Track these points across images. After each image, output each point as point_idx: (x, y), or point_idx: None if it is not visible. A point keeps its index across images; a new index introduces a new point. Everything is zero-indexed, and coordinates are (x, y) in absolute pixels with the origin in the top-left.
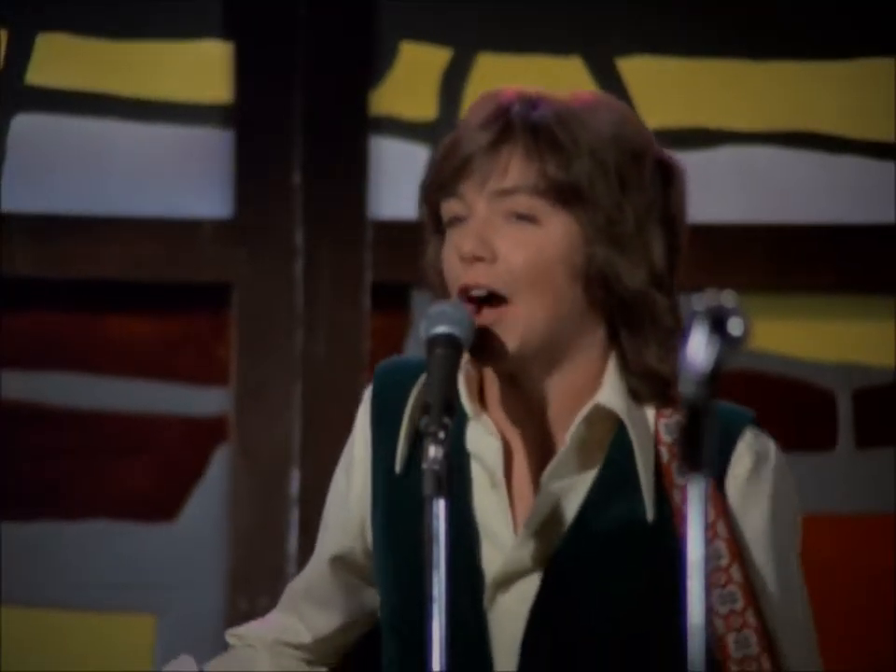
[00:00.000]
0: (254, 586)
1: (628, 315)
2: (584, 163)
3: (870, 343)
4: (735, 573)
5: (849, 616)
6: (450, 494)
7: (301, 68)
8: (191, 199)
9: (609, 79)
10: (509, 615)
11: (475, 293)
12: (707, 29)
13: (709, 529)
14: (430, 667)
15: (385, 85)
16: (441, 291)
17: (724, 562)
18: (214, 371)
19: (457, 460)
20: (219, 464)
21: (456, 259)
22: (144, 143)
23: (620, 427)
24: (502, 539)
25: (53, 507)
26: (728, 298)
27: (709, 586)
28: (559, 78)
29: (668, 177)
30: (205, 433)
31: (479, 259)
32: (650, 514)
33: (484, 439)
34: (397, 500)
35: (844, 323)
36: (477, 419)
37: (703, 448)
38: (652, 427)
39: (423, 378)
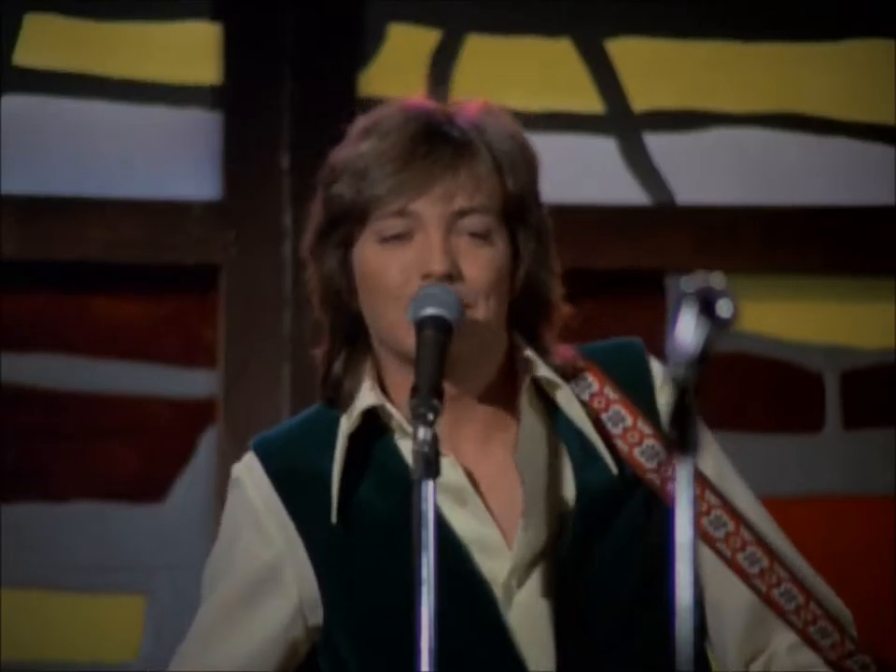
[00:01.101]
0: None
1: (539, 313)
2: (525, 177)
3: (858, 325)
4: (746, 534)
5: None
6: (437, 475)
7: (290, 50)
8: (179, 180)
9: (599, 61)
10: (529, 612)
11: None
12: (697, 11)
13: (702, 503)
14: (419, 650)
15: (373, 67)
16: (332, 307)
17: (731, 527)
18: (202, 353)
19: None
20: (207, 446)
21: (400, 275)
22: (132, 124)
23: (550, 404)
24: (492, 544)
25: (41, 489)
26: (717, 279)
27: (734, 553)
28: (548, 60)
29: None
30: (193, 415)
31: (448, 277)
32: (613, 468)
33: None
34: (345, 556)
35: (832, 305)
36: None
37: (691, 430)
38: (571, 394)
39: (352, 419)
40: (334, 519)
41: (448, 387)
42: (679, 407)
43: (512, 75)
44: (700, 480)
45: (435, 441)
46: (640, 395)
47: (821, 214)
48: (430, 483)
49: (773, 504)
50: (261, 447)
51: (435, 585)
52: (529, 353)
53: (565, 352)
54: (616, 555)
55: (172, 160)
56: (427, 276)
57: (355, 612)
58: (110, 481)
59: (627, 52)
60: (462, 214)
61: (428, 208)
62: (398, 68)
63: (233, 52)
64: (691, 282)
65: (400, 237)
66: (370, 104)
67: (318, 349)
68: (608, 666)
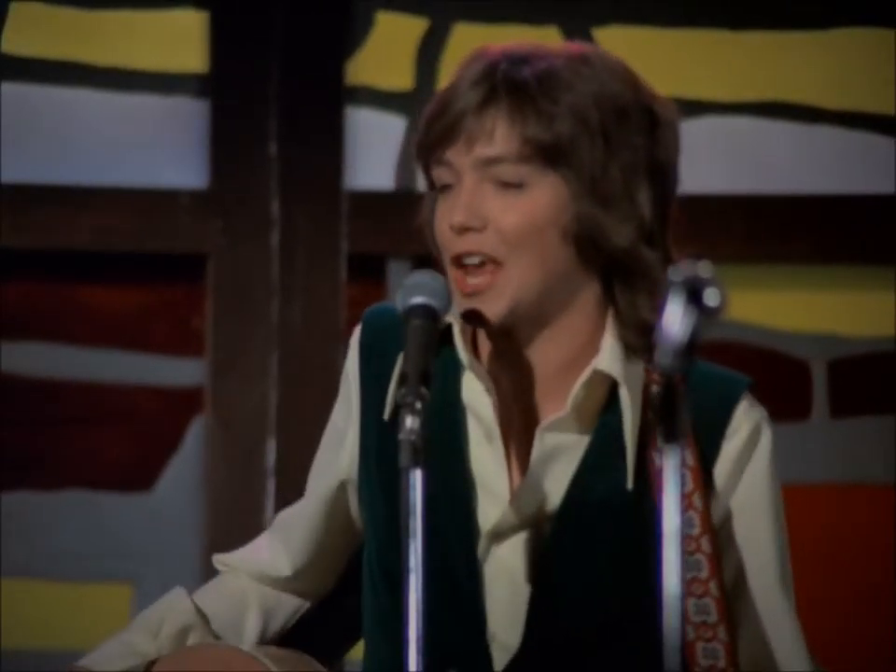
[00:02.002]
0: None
1: (619, 271)
2: (565, 123)
3: (845, 314)
4: (705, 544)
5: (824, 584)
6: (426, 465)
7: (277, 38)
8: (167, 169)
9: None
10: (502, 567)
11: (468, 261)
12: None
13: (685, 499)
14: (406, 635)
15: (361, 55)
16: (434, 246)
17: (696, 531)
18: (190, 341)
19: (453, 413)
20: (196, 434)
21: (446, 227)
22: (119, 112)
23: (614, 392)
24: (498, 491)
25: (29, 477)
26: (704, 268)
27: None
28: None
29: (658, 125)
30: (182, 404)
31: (467, 229)
32: (629, 483)
33: (479, 392)
34: (387, 447)
35: (819, 293)
36: (472, 370)
37: (678, 418)
38: (641, 389)
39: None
40: (386, 415)
41: (499, 342)
42: (667, 395)
43: None
44: (706, 519)
45: (423, 429)
46: (707, 439)
47: (809, 202)
48: (418, 472)
49: None
50: (369, 316)
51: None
52: (608, 333)
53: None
54: (602, 561)
55: (159, 148)
56: (451, 228)
57: (376, 517)
58: (98, 469)
59: (614, 41)
60: (488, 162)
61: (458, 157)
62: (385, 57)
63: (221, 40)
64: (678, 271)
65: (447, 188)
66: (357, 92)
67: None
68: (574, 648)
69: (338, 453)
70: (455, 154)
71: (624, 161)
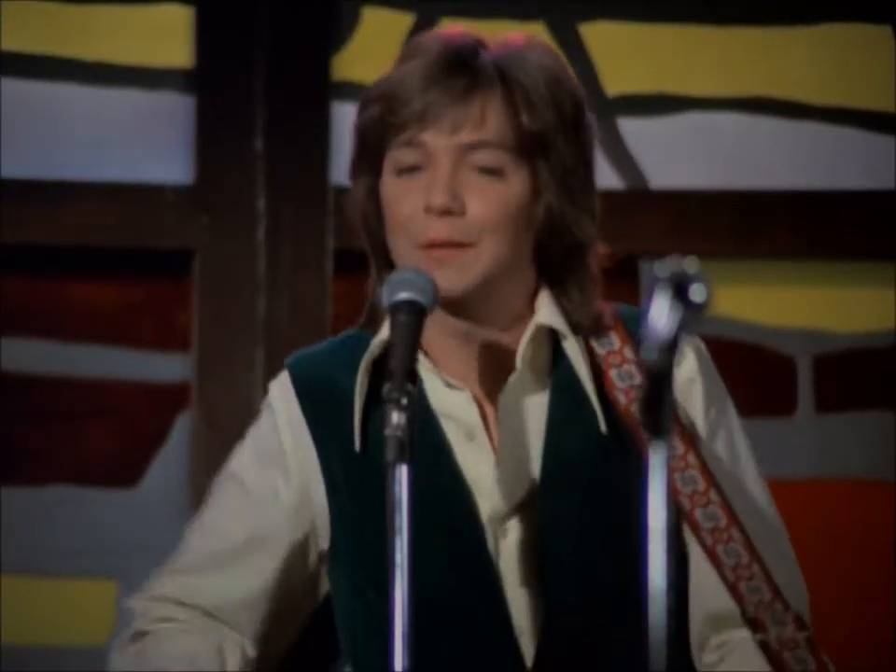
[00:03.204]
0: None
1: (569, 260)
2: (549, 113)
3: (831, 309)
4: (714, 495)
5: (812, 580)
6: (412, 460)
7: (263, 33)
8: (152, 164)
9: (572, 45)
10: (512, 558)
11: (440, 245)
12: None
13: (681, 460)
14: (392, 633)
15: (347, 50)
16: (367, 234)
17: (701, 487)
18: (175, 337)
19: (430, 423)
20: (181, 430)
21: (413, 208)
22: (104, 107)
23: (558, 350)
24: (486, 485)
25: (14, 473)
26: (690, 264)
27: (692, 506)
28: None
29: (590, 122)
30: (167, 399)
31: (448, 212)
32: (602, 426)
33: (450, 395)
34: (360, 478)
35: (805, 289)
36: (439, 376)
37: (664, 414)
38: (581, 340)
39: (371, 349)
40: (357, 447)
41: (456, 324)
42: (653, 391)
43: None
44: (688, 439)
45: (410, 425)
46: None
47: (795, 198)
48: (404, 468)
49: None
50: (295, 366)
51: (428, 525)
52: (543, 296)
53: (600, 305)
54: (594, 518)
55: (144, 143)
56: (428, 209)
57: (358, 537)
58: (84, 465)
59: (601, 36)
60: (471, 147)
61: (436, 139)
62: (371, 52)
63: (206, 35)
64: (664, 266)
65: (413, 169)
66: (343, 88)
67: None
68: (589, 627)
69: (278, 504)
70: (433, 136)
71: (585, 154)
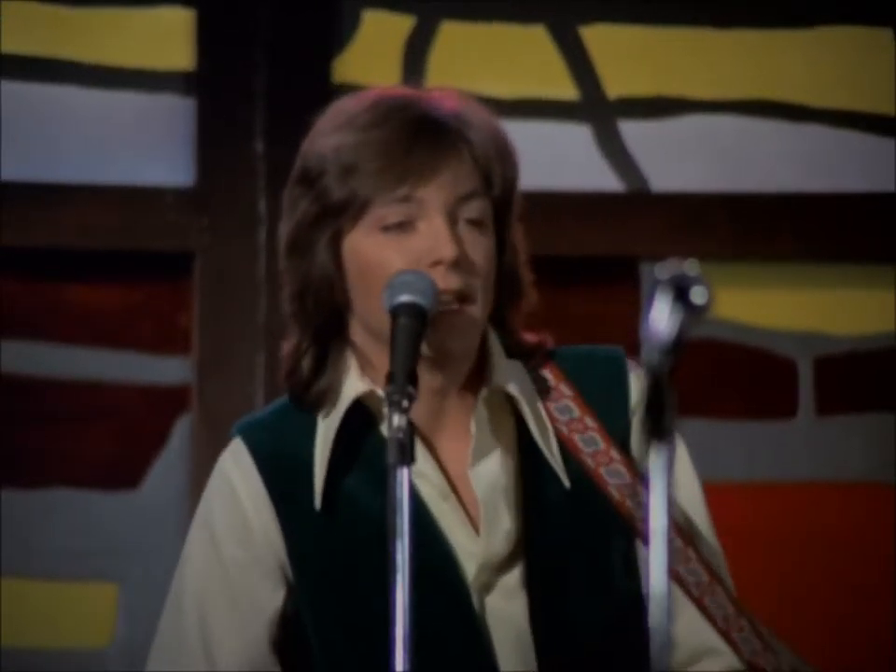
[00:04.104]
0: None
1: (514, 304)
2: (510, 171)
3: (831, 312)
4: (692, 553)
5: (813, 582)
6: (413, 461)
7: (264, 35)
8: (153, 167)
9: (573, 48)
10: (499, 616)
11: (446, 297)
12: None
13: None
14: (393, 637)
15: (348, 53)
16: (324, 295)
17: (678, 543)
18: (176, 339)
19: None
20: (182, 433)
21: (411, 264)
22: (105, 110)
23: (517, 412)
24: (467, 545)
25: (15, 475)
26: (691, 266)
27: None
28: (522, 47)
29: None
30: (168, 402)
31: (458, 263)
32: (565, 482)
33: (422, 457)
34: (328, 537)
35: (805, 291)
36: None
37: (666, 416)
38: (535, 394)
39: (330, 421)
40: (318, 506)
41: (432, 380)
42: (654, 394)
43: (487, 61)
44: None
45: (410, 427)
46: (614, 415)
47: (796, 201)
48: (405, 470)
49: (745, 491)
50: (247, 432)
51: (412, 579)
52: (497, 355)
53: (530, 339)
54: (582, 565)
55: (145, 146)
56: (437, 263)
57: (332, 602)
58: (84, 467)
59: (601, 39)
60: (465, 198)
61: (434, 194)
62: (372, 55)
63: (207, 38)
64: (665, 269)
65: (402, 226)
66: (344, 90)
67: (286, 343)
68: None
69: (252, 582)
70: (431, 191)
71: (519, 202)
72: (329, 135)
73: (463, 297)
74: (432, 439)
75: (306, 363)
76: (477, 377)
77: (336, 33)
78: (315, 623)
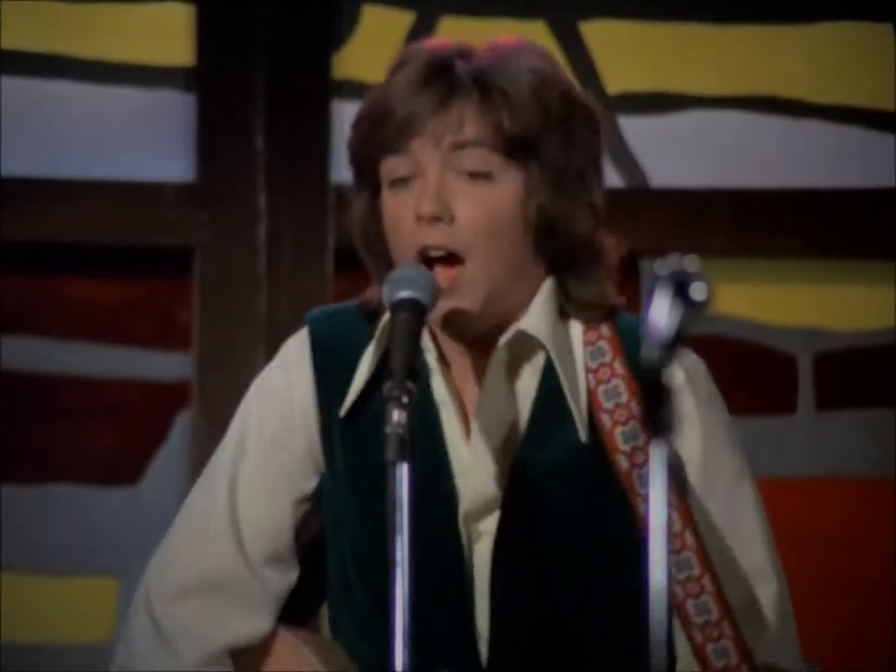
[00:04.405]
0: None
1: (574, 259)
2: (533, 114)
3: (831, 308)
4: (689, 539)
5: (809, 578)
6: (412, 457)
7: (264, 31)
8: (153, 162)
9: (573, 43)
10: (483, 560)
11: (433, 254)
12: None
13: (677, 539)
14: (393, 631)
15: (347, 49)
16: (366, 249)
17: (677, 528)
18: (176, 335)
19: (428, 410)
20: (182, 429)
21: (408, 219)
22: (105, 105)
23: (549, 358)
24: (467, 470)
25: (15, 471)
26: (691, 262)
27: (685, 595)
28: None
29: (592, 119)
30: (168, 398)
31: (437, 219)
32: (583, 436)
33: (437, 378)
34: (352, 445)
35: (805, 287)
36: (440, 372)
37: (665, 412)
38: (579, 349)
39: (383, 322)
40: (343, 412)
41: (457, 344)
42: (654, 389)
43: None
44: (685, 511)
45: (410, 423)
46: (634, 361)
47: (796, 197)
48: (404, 466)
49: None
50: (314, 323)
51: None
52: (540, 295)
53: (607, 293)
54: (558, 527)
55: (145, 141)
56: (418, 219)
57: (337, 507)
58: (84, 463)
59: (601, 34)
60: (454, 149)
61: (423, 147)
62: (372, 50)
63: (207, 33)
64: (665, 265)
65: (405, 180)
66: (344, 86)
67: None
68: (540, 637)
69: (286, 464)
70: (419, 144)
71: (580, 152)
72: (374, 88)
73: (450, 254)
74: (462, 384)
75: (377, 299)
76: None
77: (336, 28)
78: (331, 522)
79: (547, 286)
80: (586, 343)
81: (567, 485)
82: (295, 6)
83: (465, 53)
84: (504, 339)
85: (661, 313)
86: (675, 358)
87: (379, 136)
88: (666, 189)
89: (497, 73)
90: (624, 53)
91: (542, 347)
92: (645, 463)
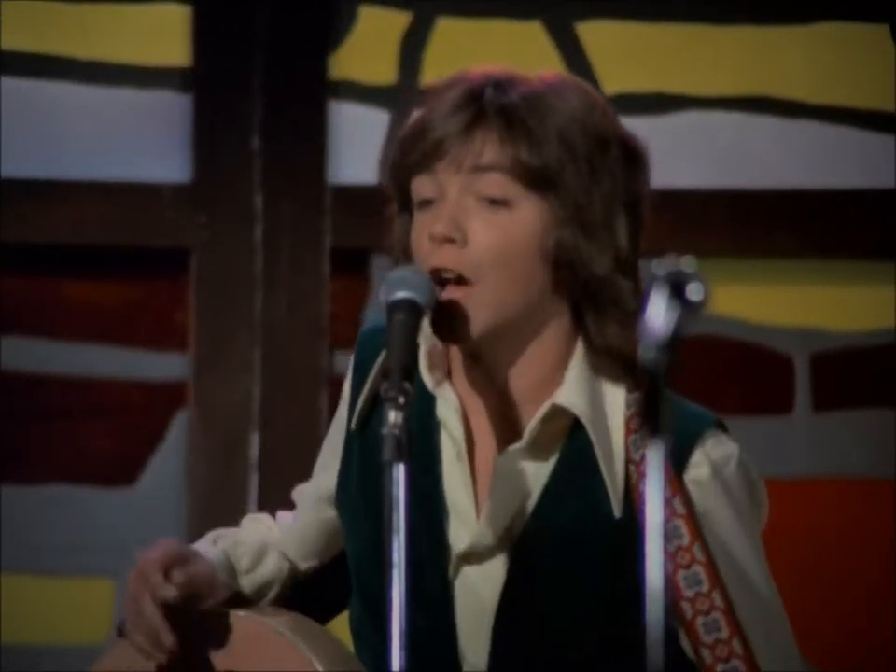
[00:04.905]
0: None
1: (592, 299)
2: (554, 149)
3: (828, 308)
4: (698, 552)
5: (806, 578)
6: (410, 459)
7: (261, 32)
8: (150, 163)
9: (569, 44)
10: (473, 589)
11: (445, 275)
12: None
13: (667, 507)
14: (390, 631)
15: (344, 49)
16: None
17: (686, 541)
18: (173, 336)
19: (427, 429)
20: (179, 429)
21: (426, 240)
22: (101, 106)
23: (578, 422)
24: (465, 513)
25: (12, 471)
26: (687, 263)
27: (675, 567)
28: (519, 43)
29: (633, 159)
30: (165, 398)
31: (450, 240)
32: (616, 511)
33: (451, 410)
34: (363, 462)
35: (802, 288)
36: (437, 390)
37: (662, 412)
38: (619, 424)
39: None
40: (353, 425)
41: (472, 367)
42: (651, 390)
43: (483, 58)
44: (694, 527)
45: (406, 424)
46: (674, 463)
47: (792, 197)
48: (401, 467)
49: None
50: (363, 333)
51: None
52: (576, 353)
53: (631, 341)
54: (573, 581)
55: (142, 142)
56: (431, 238)
57: (347, 517)
58: (82, 464)
59: (598, 35)
60: (475, 170)
61: (446, 169)
62: (368, 51)
63: (204, 34)
64: (662, 265)
65: (430, 202)
66: (341, 86)
67: None
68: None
69: (330, 467)
70: (441, 167)
71: (606, 191)
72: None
73: (459, 277)
74: (475, 408)
75: None
76: (556, 384)
77: (332, 29)
78: (344, 522)
79: (579, 349)
80: (630, 431)
81: (581, 551)
82: (292, 6)
83: (502, 83)
84: (539, 415)
85: (658, 313)
86: (672, 359)
87: (411, 157)
88: (663, 189)
89: (526, 107)
90: (621, 54)
91: (575, 419)
92: (672, 517)
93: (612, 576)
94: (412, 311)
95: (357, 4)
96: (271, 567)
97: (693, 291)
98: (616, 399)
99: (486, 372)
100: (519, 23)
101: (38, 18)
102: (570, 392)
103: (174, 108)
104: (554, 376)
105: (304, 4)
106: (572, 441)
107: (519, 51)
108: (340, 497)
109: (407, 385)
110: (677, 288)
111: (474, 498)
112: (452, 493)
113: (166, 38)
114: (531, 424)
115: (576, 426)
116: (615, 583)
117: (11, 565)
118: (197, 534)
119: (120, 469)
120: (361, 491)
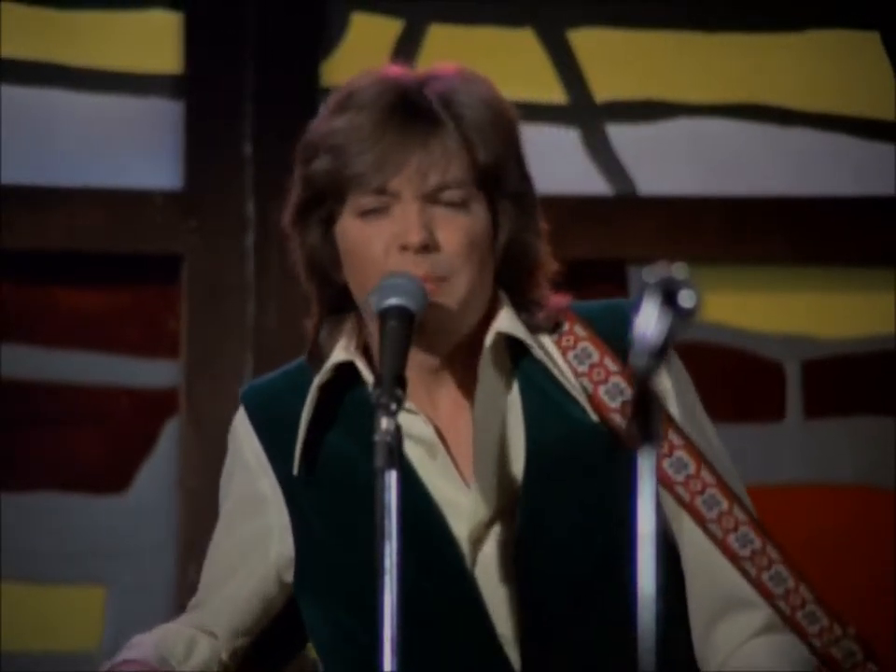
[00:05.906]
0: (204, 558)
1: (523, 273)
2: (500, 145)
3: (819, 315)
4: (707, 476)
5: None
6: (401, 466)
7: (253, 39)
8: (141, 170)
9: (561, 51)
10: (492, 571)
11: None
12: (660, 1)
13: (665, 443)
14: (381, 639)
15: (336, 56)
16: (320, 277)
17: (692, 469)
18: (164, 343)
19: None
20: (170, 436)
21: (389, 247)
22: (93, 113)
23: (520, 355)
24: (458, 502)
25: (2, 479)
26: (679, 270)
27: (692, 495)
28: (511, 50)
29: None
30: (156, 406)
31: (425, 248)
32: (593, 417)
33: (407, 419)
34: (321, 501)
35: (793, 295)
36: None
37: (653, 420)
38: (558, 357)
39: (322, 373)
40: (295, 470)
41: (426, 358)
42: (642, 397)
43: (475, 65)
44: (666, 420)
45: (398, 430)
46: (615, 344)
47: (783, 204)
48: (393, 473)
49: None
50: (247, 397)
51: (402, 544)
52: (504, 310)
53: (556, 301)
54: (577, 514)
55: (133, 149)
56: (404, 248)
57: (324, 565)
58: (72, 471)
59: (590, 42)
60: (438, 189)
61: (404, 185)
62: (360, 58)
63: (195, 41)
64: (653, 272)
65: (378, 211)
66: (332, 93)
67: (307, 320)
68: (571, 630)
69: (247, 522)
70: (400, 183)
71: (527, 172)
72: (323, 118)
73: (437, 277)
74: (429, 406)
75: (322, 335)
76: (480, 344)
77: (324, 36)
78: (307, 571)
79: (504, 300)
80: (565, 350)
81: (584, 458)
82: (283, 13)
83: (424, 83)
84: (487, 342)
85: (649, 320)
86: (663, 366)
87: (357, 167)
88: (655, 196)
89: (458, 104)
90: (613, 61)
91: (516, 350)
92: (673, 450)
93: (607, 484)
94: (404, 317)
95: (349, 10)
96: (205, 649)
97: (685, 298)
98: (542, 332)
99: (427, 370)
100: (511, 31)
101: (30, 25)
102: (506, 324)
103: (165, 115)
104: (484, 327)
105: (296, 10)
106: (521, 371)
107: (511, 58)
108: (303, 545)
109: (399, 392)
110: (668, 296)
111: (463, 483)
112: (438, 491)
113: (158, 45)
114: (482, 355)
115: (518, 356)
116: (611, 490)
117: (2, 572)
118: (188, 540)
119: (111, 476)
120: (332, 528)
